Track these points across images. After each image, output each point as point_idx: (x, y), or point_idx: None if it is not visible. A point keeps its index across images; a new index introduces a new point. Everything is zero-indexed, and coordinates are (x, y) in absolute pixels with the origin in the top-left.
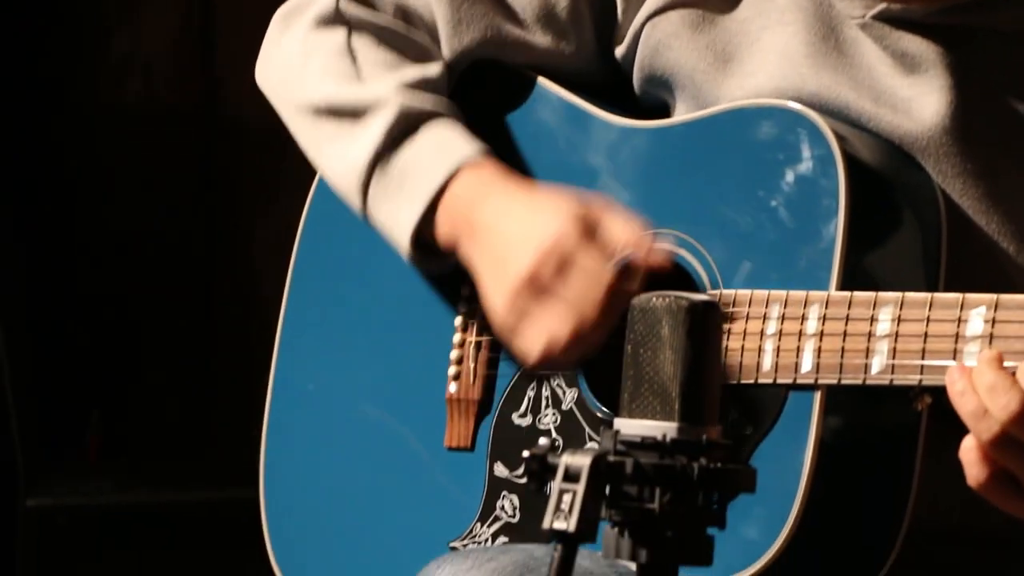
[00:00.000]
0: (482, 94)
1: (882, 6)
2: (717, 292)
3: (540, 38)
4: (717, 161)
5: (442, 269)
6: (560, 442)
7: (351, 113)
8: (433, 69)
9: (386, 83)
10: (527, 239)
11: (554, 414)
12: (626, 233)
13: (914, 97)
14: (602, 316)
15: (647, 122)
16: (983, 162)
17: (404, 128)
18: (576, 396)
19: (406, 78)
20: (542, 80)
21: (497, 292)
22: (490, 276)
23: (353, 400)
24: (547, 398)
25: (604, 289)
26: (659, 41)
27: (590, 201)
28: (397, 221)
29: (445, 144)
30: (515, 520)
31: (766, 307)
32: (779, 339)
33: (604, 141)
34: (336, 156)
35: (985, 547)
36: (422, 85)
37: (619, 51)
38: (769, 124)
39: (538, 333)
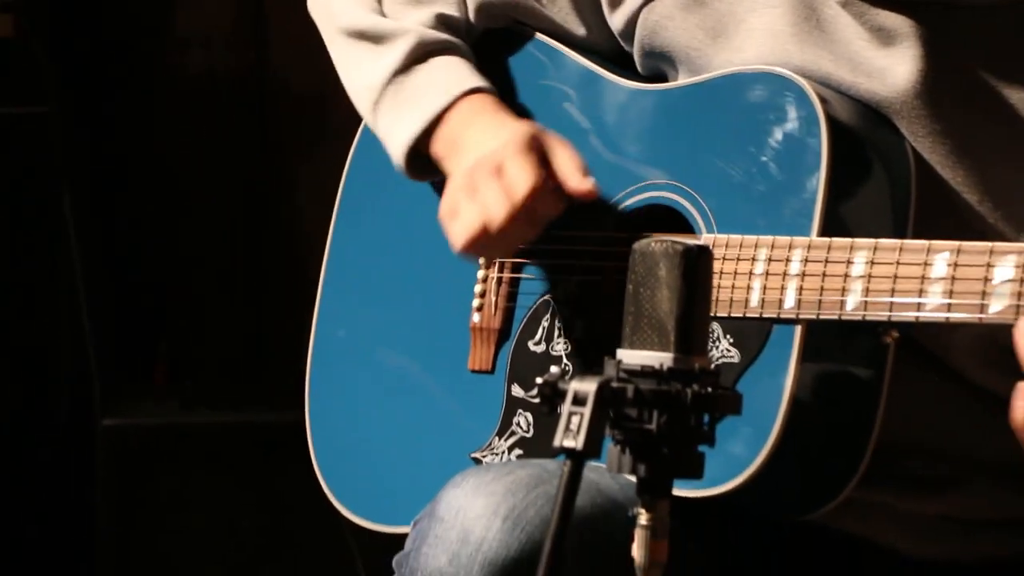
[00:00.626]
0: (501, 53)
1: None
2: (711, 236)
3: (553, 10)
4: (714, 120)
5: (431, 179)
6: (570, 368)
7: (376, 38)
8: (451, 8)
9: (410, 17)
10: (482, 148)
11: (566, 343)
12: (567, 163)
13: (888, 67)
14: (507, 223)
15: (651, 85)
16: (950, 122)
17: (420, 54)
18: (584, 328)
19: (424, 16)
20: (558, 45)
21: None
22: (450, 186)
23: (389, 331)
24: (559, 328)
25: (515, 201)
26: (656, 23)
27: (552, 133)
28: (396, 133)
29: (452, 74)
30: (529, 435)
31: (755, 250)
32: (766, 278)
33: (614, 100)
34: (359, 72)
35: (941, 459)
36: (442, 20)
37: (616, 22)
38: (761, 87)
39: (460, 225)
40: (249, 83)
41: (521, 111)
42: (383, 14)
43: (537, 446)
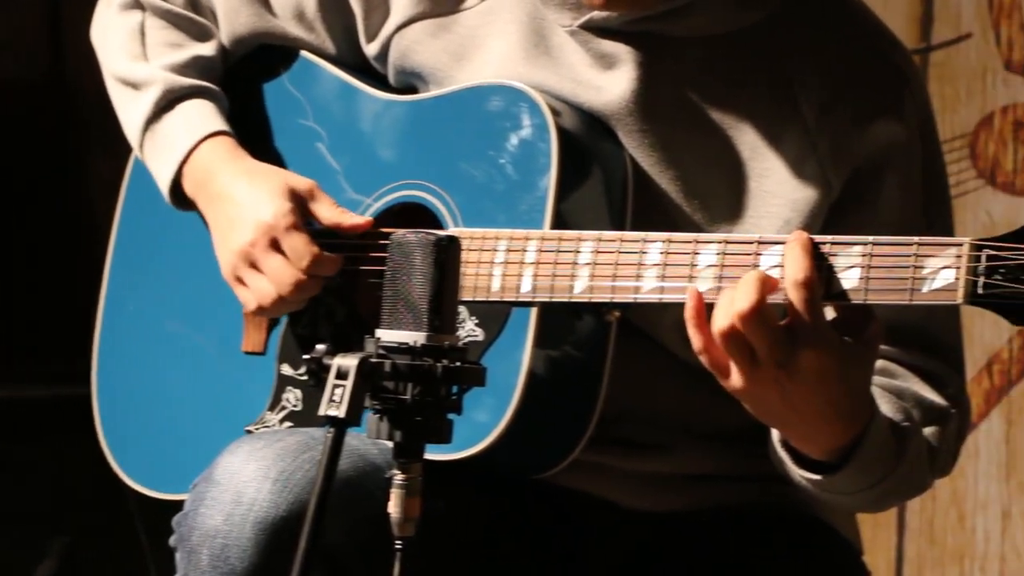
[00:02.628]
0: (265, 70)
1: (586, 18)
2: (459, 230)
3: (296, 31)
4: (458, 126)
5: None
6: (333, 348)
7: (134, 85)
8: (208, 49)
9: (161, 63)
10: (246, 215)
11: (328, 325)
12: (330, 209)
13: (607, 85)
14: (295, 291)
15: (403, 96)
16: (660, 136)
17: (167, 102)
18: (346, 312)
19: (179, 59)
20: (317, 60)
21: (222, 252)
22: (219, 237)
23: (169, 315)
24: (322, 313)
25: (298, 272)
26: (407, 47)
27: (301, 184)
28: (159, 176)
29: (194, 119)
30: (299, 409)
31: (496, 241)
32: (505, 267)
33: (369, 110)
34: (125, 115)
35: (655, 425)
36: (192, 64)
37: (371, 50)
38: (499, 98)
39: (249, 293)
40: (45, 87)
41: (278, 125)
42: (146, 56)
43: (306, 418)
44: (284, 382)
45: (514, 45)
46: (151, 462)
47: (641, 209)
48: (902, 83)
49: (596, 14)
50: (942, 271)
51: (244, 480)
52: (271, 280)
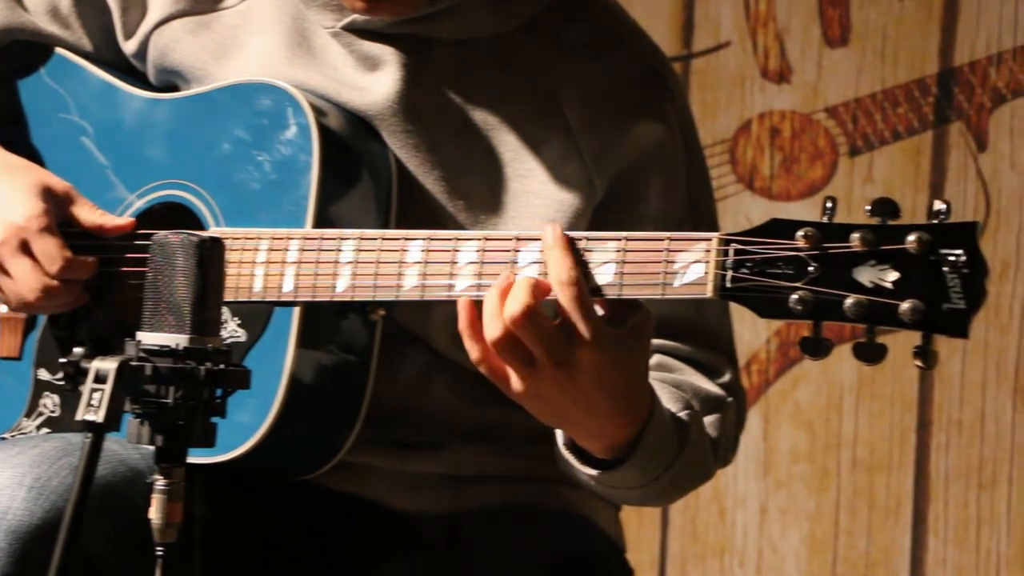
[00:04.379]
0: (22, 68)
1: (348, 20)
2: (220, 230)
3: (50, 27)
4: (218, 124)
5: None
6: (90, 351)
7: None
8: None
9: None
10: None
11: (88, 329)
12: (90, 212)
13: (370, 86)
14: (44, 297)
15: (162, 95)
16: (424, 137)
17: None
18: (105, 314)
19: None
20: (75, 58)
21: None
22: None
23: None
24: (81, 315)
25: (46, 278)
26: (166, 45)
27: (58, 184)
28: None
29: None
30: (56, 414)
31: (258, 241)
32: (267, 266)
33: (128, 108)
34: None
35: (428, 426)
36: None
37: (129, 48)
38: (260, 97)
39: (4, 294)
40: None
41: (36, 122)
42: None
43: (64, 424)
44: (41, 387)
45: (276, 45)
46: None
47: (405, 208)
48: (662, 88)
49: (358, 16)
50: (692, 265)
51: None
52: (19, 285)
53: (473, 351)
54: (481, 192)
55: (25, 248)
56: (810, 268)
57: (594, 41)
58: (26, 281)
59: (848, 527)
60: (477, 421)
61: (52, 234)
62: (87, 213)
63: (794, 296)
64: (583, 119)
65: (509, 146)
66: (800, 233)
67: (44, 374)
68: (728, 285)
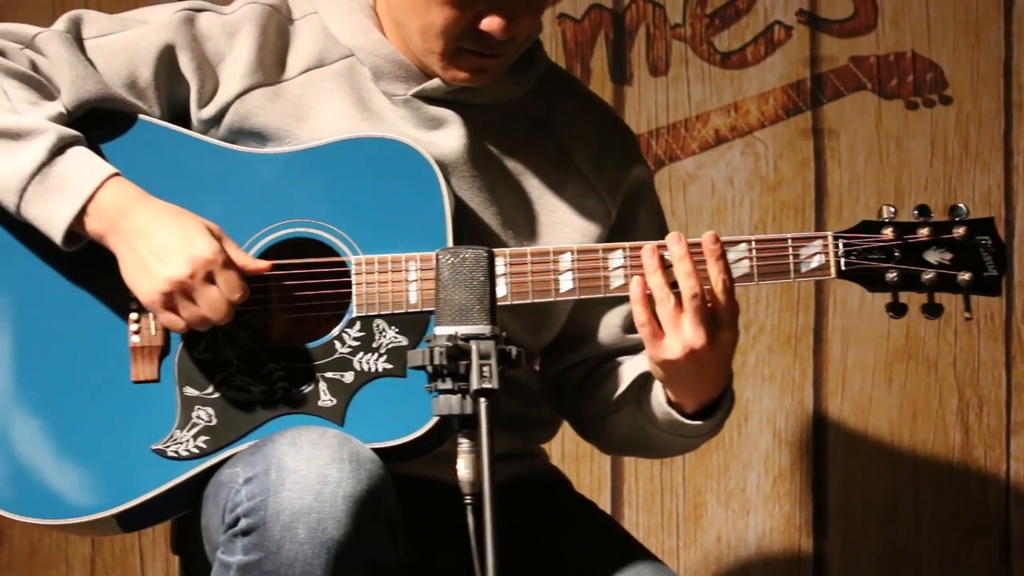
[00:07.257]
0: (109, 134)
1: (418, 88)
2: (363, 256)
3: (128, 96)
4: (344, 170)
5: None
6: (241, 367)
7: (17, 134)
8: (59, 108)
9: (38, 115)
10: (177, 249)
11: (232, 348)
12: (239, 257)
13: (437, 142)
14: (226, 317)
15: (275, 149)
16: (485, 180)
17: (60, 147)
18: (250, 335)
19: (49, 113)
20: (162, 123)
21: (147, 280)
22: (140, 269)
23: (47, 354)
24: (222, 338)
25: (230, 303)
26: (248, 111)
27: (213, 225)
28: (54, 217)
29: (92, 161)
30: (213, 423)
31: (405, 263)
32: (420, 283)
33: (227, 163)
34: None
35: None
36: (58, 120)
37: (205, 114)
38: (381, 147)
39: (178, 320)
40: None
41: (143, 179)
42: (16, 110)
43: (223, 431)
44: (191, 402)
45: (347, 108)
46: (27, 491)
47: (469, 236)
48: (633, 137)
49: (428, 84)
50: (816, 256)
51: (324, 463)
52: (207, 309)
53: (640, 315)
54: (523, 224)
55: (210, 279)
56: (896, 254)
57: (574, 104)
58: (210, 305)
59: None
60: (506, 412)
61: (231, 267)
62: (234, 253)
63: (889, 275)
64: (594, 167)
65: (533, 188)
66: (888, 230)
67: (191, 391)
68: (843, 268)
